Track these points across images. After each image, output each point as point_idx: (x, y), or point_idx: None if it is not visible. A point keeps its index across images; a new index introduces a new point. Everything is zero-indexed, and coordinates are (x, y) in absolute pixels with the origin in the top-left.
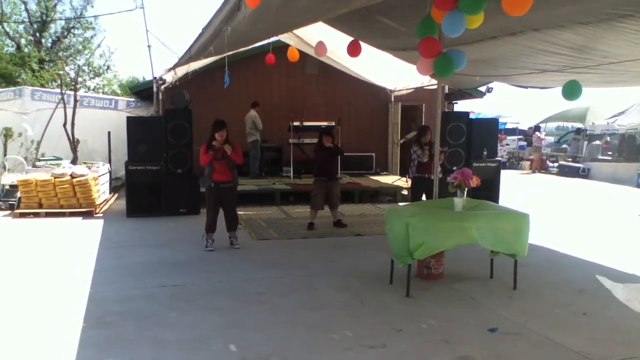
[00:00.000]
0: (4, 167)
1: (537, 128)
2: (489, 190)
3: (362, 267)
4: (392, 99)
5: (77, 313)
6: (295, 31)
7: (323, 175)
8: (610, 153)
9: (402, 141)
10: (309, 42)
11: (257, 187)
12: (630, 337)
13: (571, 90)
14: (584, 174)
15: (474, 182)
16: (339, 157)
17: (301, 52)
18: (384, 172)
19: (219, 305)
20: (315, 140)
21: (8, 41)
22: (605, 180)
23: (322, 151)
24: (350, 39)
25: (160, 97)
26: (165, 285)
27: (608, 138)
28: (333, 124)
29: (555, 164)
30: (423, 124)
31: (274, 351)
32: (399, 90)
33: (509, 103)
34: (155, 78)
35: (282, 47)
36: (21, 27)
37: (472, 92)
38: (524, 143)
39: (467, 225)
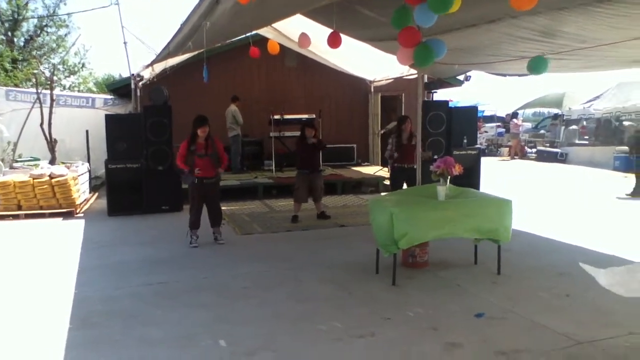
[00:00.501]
0: None
1: (514, 115)
2: (470, 177)
3: (347, 258)
4: (372, 90)
5: (62, 314)
6: (273, 24)
7: (306, 168)
8: (587, 137)
9: (382, 132)
10: (288, 35)
11: (239, 182)
12: (613, 318)
13: (536, 64)
14: (562, 158)
15: (457, 170)
16: (321, 150)
17: (280, 45)
18: (366, 163)
19: (204, 302)
20: (296, 133)
21: None
22: (582, 164)
23: (303, 145)
24: (329, 30)
25: (138, 93)
26: (149, 283)
27: (584, 123)
28: (314, 116)
29: (534, 150)
30: (403, 113)
31: (263, 345)
32: (379, 81)
33: (486, 91)
34: (132, 75)
35: (261, 40)
36: None
37: (450, 81)
38: (502, 130)
39: (450, 215)
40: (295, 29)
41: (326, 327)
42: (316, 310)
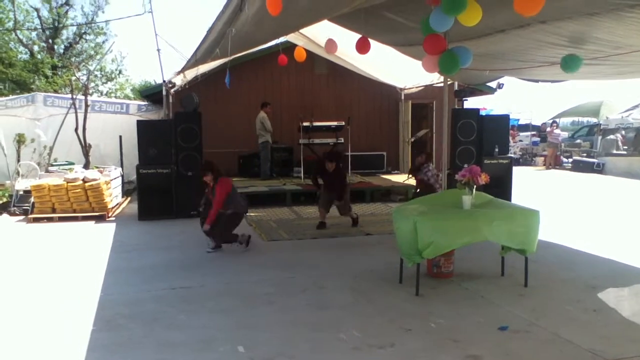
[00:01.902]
0: (18, 173)
1: (552, 123)
2: (500, 187)
3: (371, 266)
4: (402, 97)
5: (87, 315)
6: (303, 31)
7: (329, 192)
8: (625, 147)
9: (412, 139)
10: (318, 41)
11: (268, 188)
12: None
13: (569, 62)
14: (599, 169)
15: (483, 179)
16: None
17: (310, 52)
18: (395, 171)
19: (227, 307)
20: (326, 140)
21: (22, 48)
22: (620, 175)
23: (324, 172)
24: (358, 36)
25: (171, 100)
26: (174, 287)
27: (623, 132)
28: (343, 123)
29: (570, 160)
30: (434, 121)
31: (281, 351)
32: (409, 89)
33: (521, 99)
34: (164, 81)
35: (291, 48)
36: (34, 34)
37: (482, 88)
38: (537, 139)
39: (475, 224)
40: (324, 36)
41: (346, 335)
42: (337, 318)
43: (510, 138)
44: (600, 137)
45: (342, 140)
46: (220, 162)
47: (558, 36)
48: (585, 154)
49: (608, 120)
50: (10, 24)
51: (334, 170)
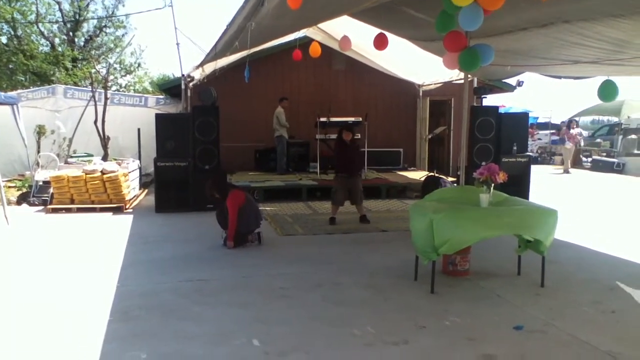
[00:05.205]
0: (37, 164)
1: (570, 123)
2: (518, 185)
3: (386, 263)
4: (421, 94)
5: (104, 306)
6: (322, 26)
7: (344, 171)
8: None
9: (430, 136)
10: (336, 36)
11: (284, 183)
12: None
13: (607, 92)
14: (619, 169)
15: (501, 177)
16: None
17: (328, 48)
18: (412, 168)
19: (242, 300)
20: None
21: (43, 41)
22: None
23: (341, 148)
24: (377, 32)
25: (189, 94)
26: (191, 279)
27: None
28: (360, 119)
29: (589, 159)
30: (452, 118)
31: (296, 346)
32: (428, 85)
33: (541, 97)
34: (183, 75)
35: (309, 43)
36: (55, 26)
37: (501, 86)
38: (557, 137)
39: (492, 222)
40: (343, 31)
41: (360, 332)
42: (352, 314)
43: (529, 136)
44: (621, 137)
45: (359, 136)
46: (237, 156)
47: (582, 36)
48: (605, 154)
49: (629, 120)
50: (33, 17)
51: (351, 143)
